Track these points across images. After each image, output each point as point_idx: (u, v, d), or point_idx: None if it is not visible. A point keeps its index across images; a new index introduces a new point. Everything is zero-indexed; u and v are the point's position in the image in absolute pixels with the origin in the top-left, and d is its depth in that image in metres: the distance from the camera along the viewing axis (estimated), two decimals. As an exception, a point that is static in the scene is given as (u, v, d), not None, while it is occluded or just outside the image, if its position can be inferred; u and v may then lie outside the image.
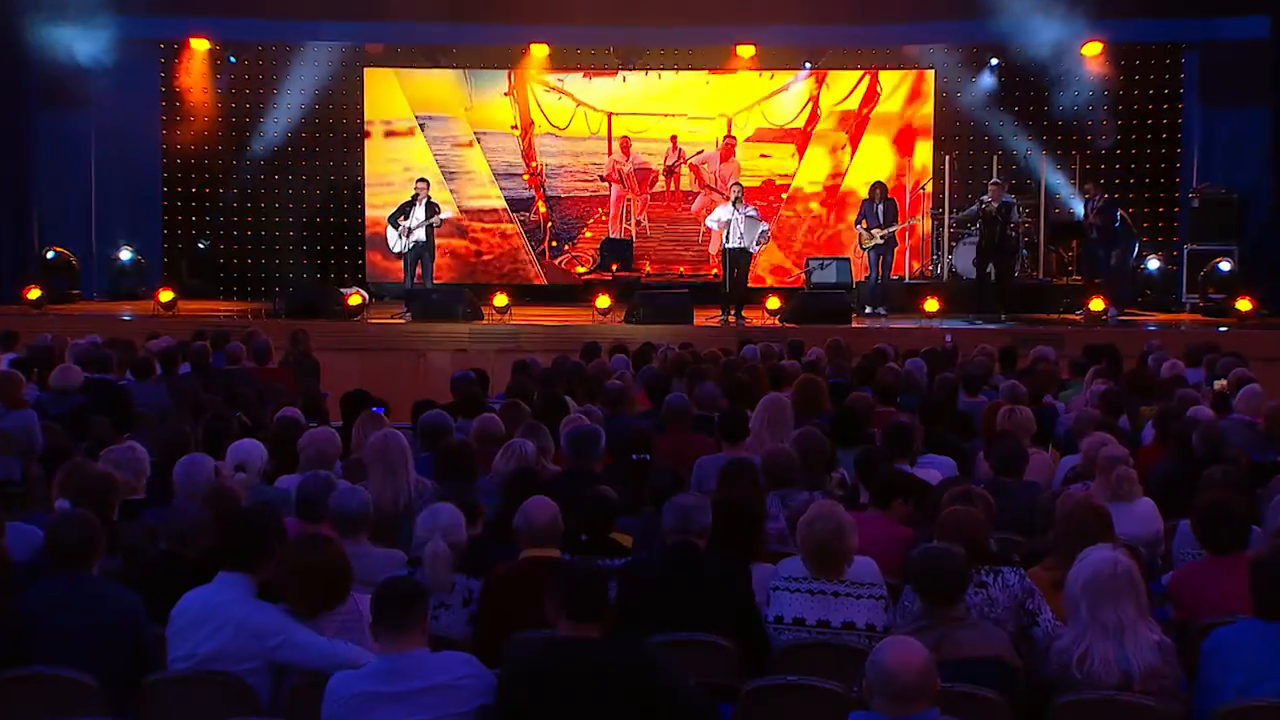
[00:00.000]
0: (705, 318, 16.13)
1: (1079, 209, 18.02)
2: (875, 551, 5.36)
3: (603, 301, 16.39)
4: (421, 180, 17.35)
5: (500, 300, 16.39)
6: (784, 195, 19.63)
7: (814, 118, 19.55)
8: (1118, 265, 17.13)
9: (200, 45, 19.17)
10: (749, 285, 16.57)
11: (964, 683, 4.27)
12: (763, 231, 16.17)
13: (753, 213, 16.10)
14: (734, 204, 15.96)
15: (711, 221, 16.54)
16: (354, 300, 16.37)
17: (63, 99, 18.04)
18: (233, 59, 19.49)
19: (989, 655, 4.47)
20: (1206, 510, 5.39)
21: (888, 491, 6.06)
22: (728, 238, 15.96)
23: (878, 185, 17.35)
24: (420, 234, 16.65)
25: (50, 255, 17.96)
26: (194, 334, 12.20)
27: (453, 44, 19.46)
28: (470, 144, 19.71)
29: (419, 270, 16.90)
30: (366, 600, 4.44)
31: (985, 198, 16.76)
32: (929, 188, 19.17)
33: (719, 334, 15.02)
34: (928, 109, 19.40)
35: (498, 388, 10.36)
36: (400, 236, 16.71)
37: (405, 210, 16.87)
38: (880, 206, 16.93)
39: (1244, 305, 16.04)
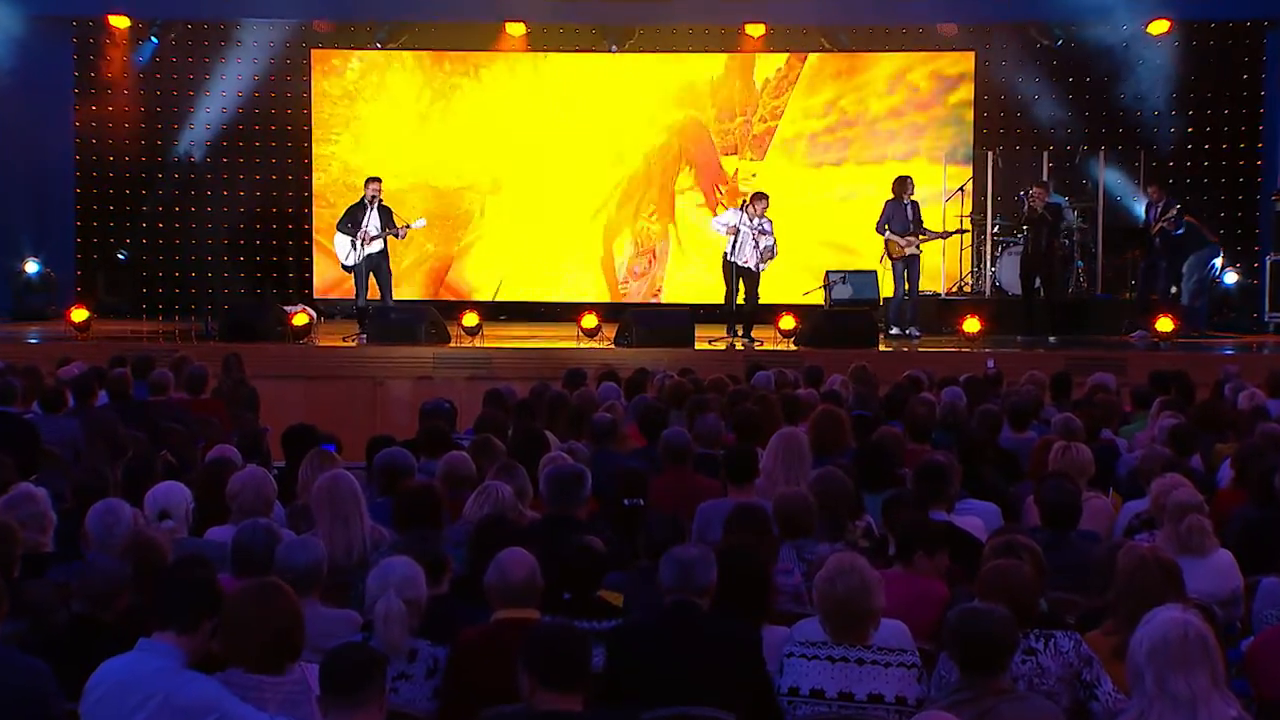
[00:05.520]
0: (708, 339, 16.15)
1: (1142, 213, 18.06)
2: (900, 615, 5.36)
3: (589, 321, 16.38)
4: (374, 179, 17.11)
5: (470, 319, 16.37)
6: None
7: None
8: (1191, 280, 17.12)
9: (120, 23, 19.18)
10: (759, 302, 16.44)
11: (1010, 765, 4.29)
12: (768, 247, 15.91)
13: (768, 228, 15.97)
14: (743, 208, 15.96)
15: (718, 225, 16.38)
16: (299, 320, 16.36)
17: (-44, 86, 18.11)
18: (155, 39, 19.50)
19: (1039, 733, 4.49)
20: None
21: (910, 543, 6.05)
22: (734, 247, 15.95)
23: (903, 180, 16.77)
24: (377, 244, 16.31)
25: (-57, 268, 18.02)
26: (112, 360, 12.20)
27: (414, 20, 19.46)
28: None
29: (372, 285, 16.58)
30: (315, 671, 4.44)
31: (1029, 195, 16.77)
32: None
33: (724, 359, 15.07)
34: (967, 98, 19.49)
35: (466, 421, 10.36)
36: (356, 247, 16.25)
37: (356, 216, 16.39)
38: (909, 206, 16.52)
39: (1337, 325, 16.11)
